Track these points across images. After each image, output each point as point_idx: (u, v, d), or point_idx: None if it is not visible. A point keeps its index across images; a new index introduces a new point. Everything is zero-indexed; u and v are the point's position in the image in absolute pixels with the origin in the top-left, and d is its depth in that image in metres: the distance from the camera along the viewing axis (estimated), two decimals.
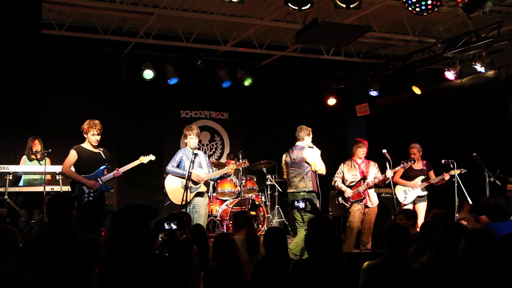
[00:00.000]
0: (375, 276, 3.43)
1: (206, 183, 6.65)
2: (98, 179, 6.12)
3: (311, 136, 6.72)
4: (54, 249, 3.23)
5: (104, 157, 6.26)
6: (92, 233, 5.77)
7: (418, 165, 7.77)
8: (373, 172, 7.15)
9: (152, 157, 6.69)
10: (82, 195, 6.00)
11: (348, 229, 7.11)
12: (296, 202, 4.45)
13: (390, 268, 3.41)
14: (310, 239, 3.57)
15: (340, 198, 7.22)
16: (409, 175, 7.64)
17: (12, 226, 3.28)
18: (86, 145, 6.19)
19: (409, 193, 7.65)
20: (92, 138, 6.14)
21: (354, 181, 7.13)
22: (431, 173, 7.71)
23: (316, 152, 6.61)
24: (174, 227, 3.14)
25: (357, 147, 7.22)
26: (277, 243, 3.99)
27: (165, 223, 3.12)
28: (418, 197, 7.65)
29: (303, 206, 4.32)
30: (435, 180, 7.61)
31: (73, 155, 6.11)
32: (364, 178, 7.10)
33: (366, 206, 7.07)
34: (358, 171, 7.17)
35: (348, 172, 7.21)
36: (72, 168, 6.16)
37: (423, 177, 7.66)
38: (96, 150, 6.23)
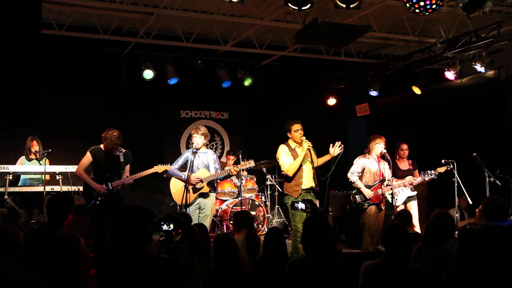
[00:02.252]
0: (374, 276, 3.43)
1: (210, 183, 6.63)
2: (109, 183, 6.12)
3: (294, 130, 6.22)
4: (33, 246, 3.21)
5: (122, 160, 6.28)
6: (97, 236, 5.85)
7: (405, 165, 7.75)
8: (387, 173, 6.89)
9: (168, 167, 6.59)
10: (90, 198, 6.05)
11: (365, 229, 6.78)
12: (295, 203, 4.42)
13: (389, 268, 3.41)
14: (305, 240, 3.57)
15: (358, 197, 6.81)
16: (397, 176, 7.54)
17: (16, 227, 3.27)
18: (103, 147, 6.23)
19: (399, 194, 7.59)
20: (106, 148, 6.19)
21: (372, 182, 6.81)
22: (416, 173, 7.69)
23: (281, 149, 6.21)
24: (170, 228, 3.14)
25: (375, 143, 6.88)
26: (277, 243, 3.99)
27: (164, 224, 3.12)
28: (408, 197, 7.62)
29: (303, 207, 4.29)
30: (422, 179, 7.50)
31: (87, 158, 6.18)
32: (383, 180, 6.83)
33: (380, 209, 6.83)
34: (378, 170, 6.87)
35: (370, 169, 6.84)
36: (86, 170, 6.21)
37: (410, 176, 7.64)
38: (115, 153, 6.24)
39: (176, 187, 6.68)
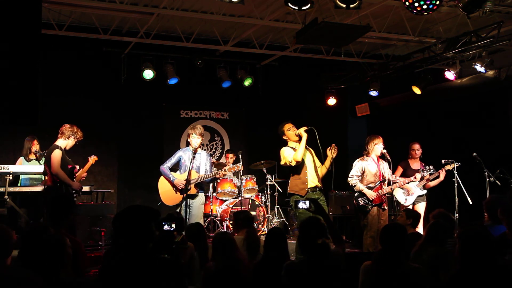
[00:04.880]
0: (373, 275, 3.43)
1: (197, 184, 6.57)
2: (74, 180, 6.22)
3: (287, 129, 6.28)
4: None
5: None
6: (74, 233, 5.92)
7: (417, 165, 7.76)
8: (387, 172, 6.86)
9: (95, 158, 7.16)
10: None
11: (366, 229, 6.72)
12: (298, 202, 4.35)
13: (387, 268, 3.41)
14: (301, 241, 3.55)
15: (361, 200, 6.77)
16: (407, 175, 7.59)
17: (7, 226, 3.26)
18: (62, 145, 6.21)
19: (409, 195, 7.63)
20: (71, 144, 6.26)
21: (373, 183, 6.78)
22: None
23: (284, 148, 6.21)
24: (172, 228, 3.12)
25: (374, 143, 6.84)
26: (278, 243, 3.97)
27: (166, 224, 3.10)
28: (418, 196, 7.64)
29: (307, 207, 4.22)
30: (432, 178, 7.55)
31: (60, 155, 6.06)
32: (383, 180, 6.79)
33: (383, 209, 6.79)
34: (377, 171, 6.82)
35: (370, 171, 6.80)
36: None
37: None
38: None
39: (164, 187, 6.65)
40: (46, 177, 7.32)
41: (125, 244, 2.75)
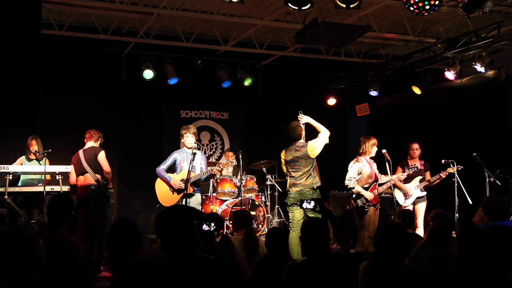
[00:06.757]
0: (371, 275, 3.43)
1: (194, 183, 6.56)
2: None
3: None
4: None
5: None
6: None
7: (416, 165, 7.76)
8: (377, 172, 6.91)
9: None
10: (107, 195, 6.60)
11: (364, 229, 6.74)
12: (303, 202, 4.30)
13: (383, 267, 3.40)
14: (304, 242, 3.54)
15: (359, 201, 6.76)
16: (407, 175, 7.61)
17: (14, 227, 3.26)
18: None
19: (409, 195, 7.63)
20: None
21: (368, 184, 6.79)
22: (427, 174, 7.70)
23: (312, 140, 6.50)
24: (212, 228, 3.05)
25: (371, 144, 6.87)
26: (279, 243, 3.96)
27: (205, 224, 3.04)
28: (418, 197, 7.64)
29: (311, 207, 4.17)
30: (433, 179, 7.57)
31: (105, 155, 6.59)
32: (376, 180, 6.83)
33: (377, 208, 6.80)
34: (371, 171, 6.84)
35: (365, 172, 6.81)
36: None
37: (421, 177, 7.65)
38: None
39: (160, 188, 6.65)
40: (48, 177, 7.36)
41: (170, 244, 2.69)
